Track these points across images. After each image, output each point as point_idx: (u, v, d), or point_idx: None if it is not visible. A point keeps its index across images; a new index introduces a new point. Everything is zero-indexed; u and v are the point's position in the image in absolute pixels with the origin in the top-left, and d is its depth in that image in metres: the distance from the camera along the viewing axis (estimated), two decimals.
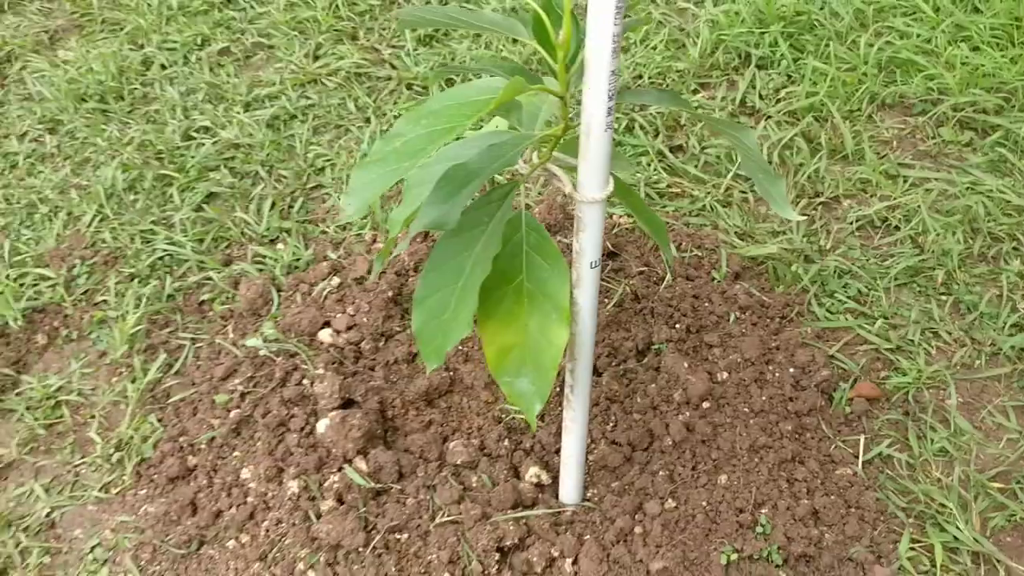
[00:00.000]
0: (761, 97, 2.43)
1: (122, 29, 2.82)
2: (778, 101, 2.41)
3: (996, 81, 2.38)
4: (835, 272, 2.01)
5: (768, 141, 2.30)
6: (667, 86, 2.48)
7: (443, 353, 1.21)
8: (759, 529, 1.55)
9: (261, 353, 1.83)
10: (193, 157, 2.35)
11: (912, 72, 2.44)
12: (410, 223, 1.25)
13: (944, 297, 1.97)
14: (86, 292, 2.08)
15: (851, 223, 2.13)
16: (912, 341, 1.88)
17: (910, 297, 1.97)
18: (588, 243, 1.25)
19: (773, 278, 2.00)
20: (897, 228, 2.11)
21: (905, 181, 2.21)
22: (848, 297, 1.97)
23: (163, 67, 2.67)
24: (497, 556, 1.50)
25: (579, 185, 1.20)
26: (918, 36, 2.53)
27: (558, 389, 1.73)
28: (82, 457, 1.80)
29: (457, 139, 1.20)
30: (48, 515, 1.71)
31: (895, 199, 2.15)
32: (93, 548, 1.66)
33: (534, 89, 1.16)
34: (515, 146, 1.21)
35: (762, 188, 1.28)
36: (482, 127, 1.51)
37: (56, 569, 1.64)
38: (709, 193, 2.19)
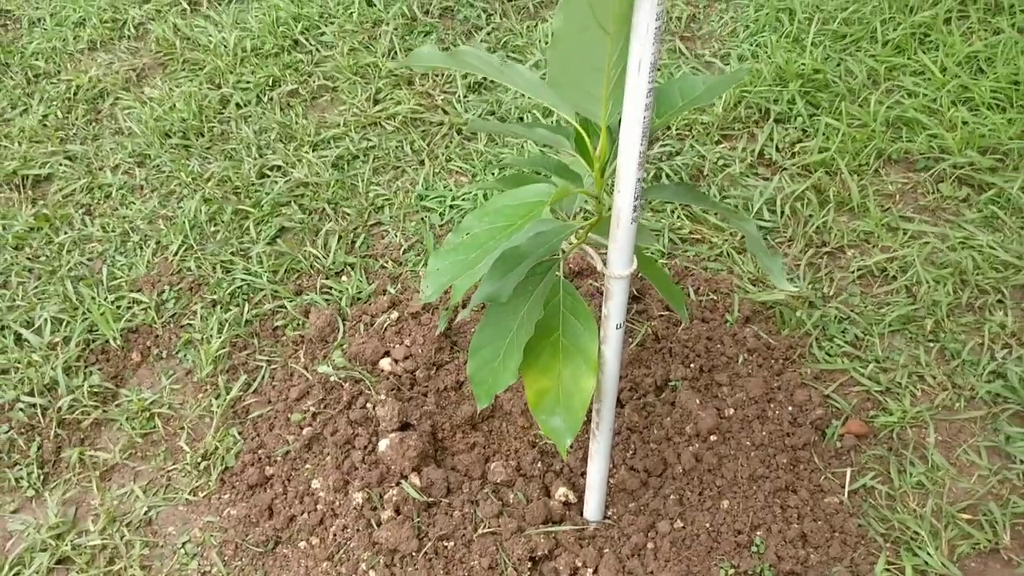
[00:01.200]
0: (778, 150, 2.68)
1: (201, 69, 3.12)
2: (793, 155, 2.66)
3: (993, 141, 2.62)
4: (835, 318, 2.27)
5: (782, 193, 2.55)
6: (693, 137, 2.73)
7: (492, 395, 1.49)
8: (754, 549, 1.82)
9: (331, 379, 2.12)
10: (267, 194, 2.64)
11: (917, 130, 2.68)
12: (469, 296, 1.53)
13: (932, 344, 2.21)
14: (174, 315, 2.37)
15: (853, 272, 2.37)
16: (900, 384, 2.13)
17: (901, 343, 2.22)
18: (615, 310, 1.52)
19: (780, 322, 2.26)
20: (894, 278, 2.35)
21: (904, 234, 2.45)
22: (845, 341, 2.22)
23: (238, 106, 2.97)
24: (529, 564, 1.78)
25: (608, 263, 1.47)
26: (924, 96, 2.77)
27: (585, 419, 2.00)
28: (173, 463, 2.09)
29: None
30: (146, 513, 2.01)
31: (894, 251, 2.39)
32: (184, 544, 1.96)
33: (577, 192, 1.44)
34: (558, 234, 1.49)
35: (762, 264, 1.55)
36: None
37: (154, 560, 1.93)
38: (726, 240, 2.45)
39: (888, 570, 1.83)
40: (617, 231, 1.42)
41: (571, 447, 1.96)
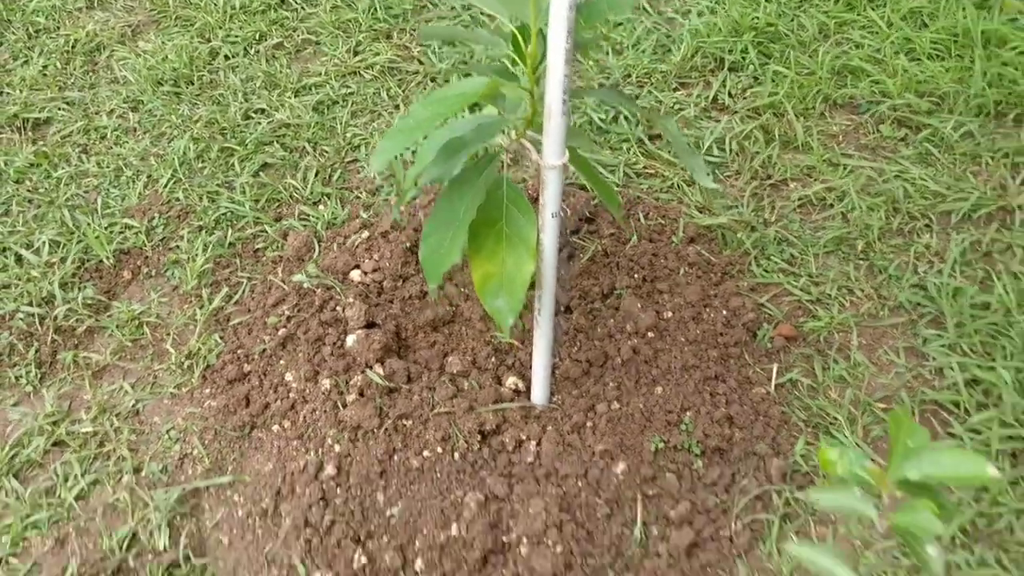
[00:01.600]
0: (730, 96, 2.87)
1: (192, 25, 3.31)
2: (744, 100, 2.85)
3: (931, 87, 2.80)
4: (774, 240, 2.45)
5: (731, 132, 2.73)
6: (652, 84, 2.92)
7: (440, 274, 1.68)
8: (683, 427, 2.00)
9: (304, 286, 2.30)
10: (251, 134, 2.83)
11: (862, 77, 2.87)
12: (418, 178, 1.73)
13: (861, 262, 2.40)
14: (163, 239, 2.56)
15: (793, 201, 2.56)
16: (829, 295, 2.32)
17: (834, 262, 2.40)
18: (550, 199, 1.71)
19: (722, 243, 2.44)
20: (831, 206, 2.54)
21: (844, 168, 2.64)
22: (782, 260, 2.40)
23: (226, 57, 3.16)
24: (479, 437, 1.96)
25: (543, 155, 1.66)
26: (870, 47, 2.96)
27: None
28: (160, 364, 2.28)
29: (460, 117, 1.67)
30: (134, 406, 2.20)
31: (833, 183, 2.58)
32: (168, 431, 2.14)
33: (508, 86, 1.63)
34: (497, 126, 1.68)
35: (686, 163, 1.74)
36: (480, 111, 1.97)
37: (140, 444, 2.12)
38: (677, 174, 2.64)
39: (806, 449, 2.01)
40: (549, 124, 1.60)
41: (521, 342, 2.14)
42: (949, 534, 1.87)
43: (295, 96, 2.97)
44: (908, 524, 0.98)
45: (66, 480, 2.06)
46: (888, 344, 2.22)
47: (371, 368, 2.07)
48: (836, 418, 2.06)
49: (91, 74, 3.16)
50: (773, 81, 2.86)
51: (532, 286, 1.74)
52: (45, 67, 3.18)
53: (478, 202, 1.69)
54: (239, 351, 2.24)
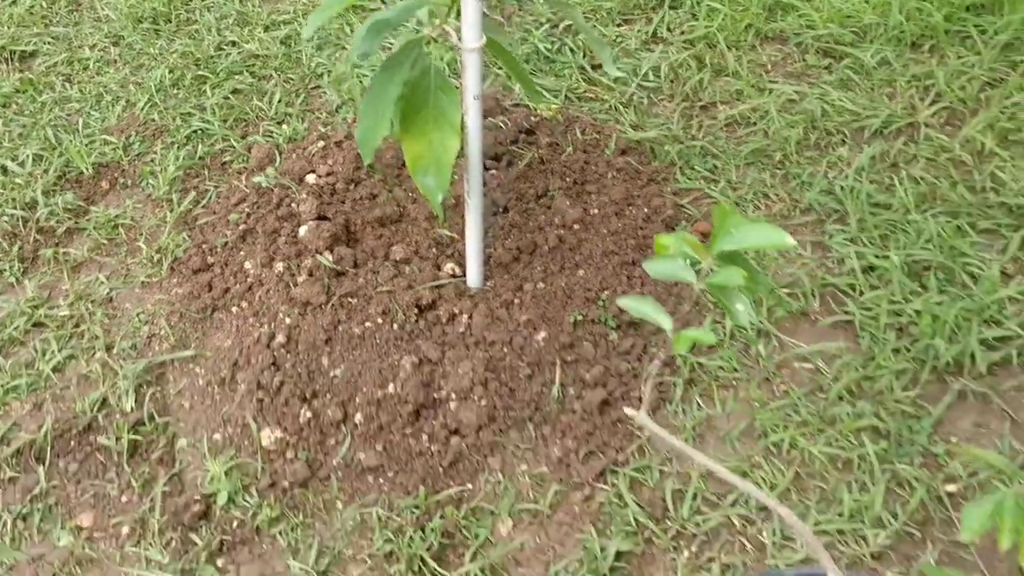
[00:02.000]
0: (668, 30, 3.09)
1: None
2: (681, 33, 3.06)
3: (855, 20, 3.02)
4: (699, 152, 2.67)
5: (667, 61, 2.95)
6: (597, 20, 3.13)
7: (372, 149, 1.89)
8: (600, 304, 2.22)
9: (263, 186, 2.52)
10: (223, 63, 3.04)
11: (791, 12, 3.08)
12: (352, 57, 1.94)
13: (778, 171, 2.61)
14: (139, 154, 2.78)
15: (720, 120, 2.77)
16: (746, 198, 2.53)
17: (753, 171, 2.62)
18: (471, 82, 1.92)
19: (650, 155, 2.66)
20: (754, 124, 2.75)
21: (770, 92, 2.85)
22: (705, 169, 2.62)
23: None
24: (416, 311, 2.18)
25: (462, 39, 1.87)
26: None
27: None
28: (132, 259, 2.49)
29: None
30: (107, 294, 2.41)
31: (758, 104, 2.79)
32: (138, 314, 2.36)
33: None
34: (418, 7, 1.90)
35: (596, 51, 1.96)
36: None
37: (112, 326, 2.34)
38: (616, 98, 2.85)
39: (715, 324, 2.23)
40: (467, 9, 1.81)
41: (460, 235, 2.35)
42: (836, 394, 2.08)
43: (265, 31, 3.19)
44: (720, 282, 1.20)
45: (44, 354, 2.27)
46: (797, 240, 2.43)
47: (320, 254, 2.29)
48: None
49: (75, 12, 3.37)
50: (708, 16, 3.08)
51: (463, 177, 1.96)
52: (32, 6, 3.39)
53: (403, 78, 1.90)
54: (204, 245, 2.45)
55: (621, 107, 2.82)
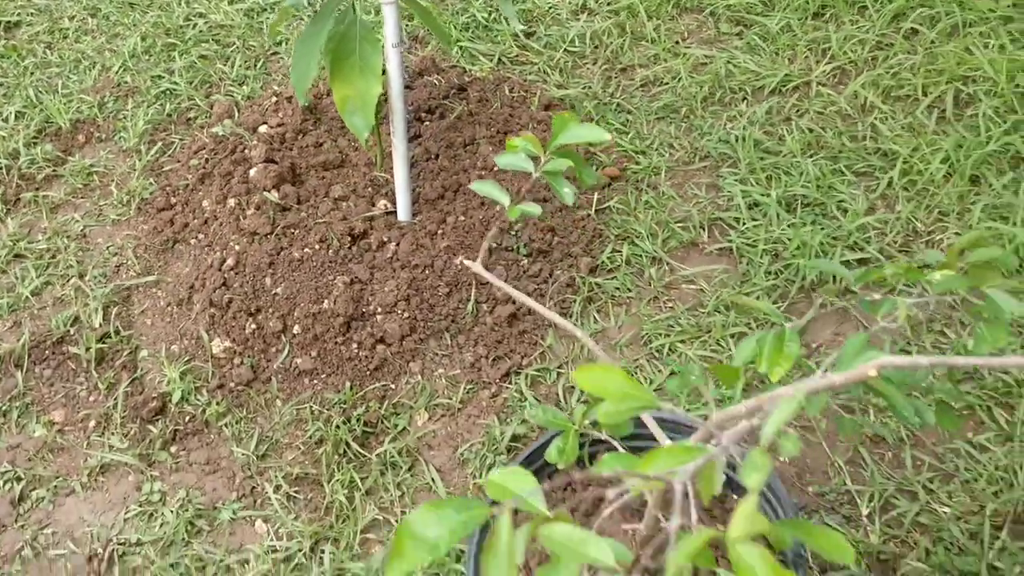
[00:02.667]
0: (596, 2, 3.39)
1: None
2: (608, 4, 3.37)
3: None
4: (614, 108, 2.97)
5: (591, 28, 3.25)
6: None
7: (305, 89, 2.21)
8: (513, 233, 2.52)
9: (220, 135, 2.83)
10: (191, 32, 3.35)
11: None
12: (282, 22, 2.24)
13: (683, 124, 2.92)
14: (113, 112, 3.09)
15: (636, 81, 3.08)
16: (651, 147, 2.84)
17: (661, 125, 2.93)
18: (389, 32, 2.23)
19: (571, 108, 2.96)
20: (666, 83, 3.06)
21: (685, 57, 3.16)
22: (619, 123, 2.93)
23: None
24: (349, 239, 2.49)
25: None
26: None
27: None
28: (105, 201, 2.80)
29: None
30: (82, 231, 2.72)
31: (671, 66, 3.10)
32: (108, 247, 2.67)
33: None
34: None
35: (502, 9, 2.26)
36: None
37: (85, 257, 2.64)
38: (544, 61, 3.16)
39: (614, 253, 2.53)
40: None
41: (391, 176, 2.66)
42: (712, 307, 2.39)
43: (230, 4, 3.49)
44: (551, 168, 1.51)
45: (23, 280, 2.58)
46: (693, 182, 2.74)
47: (268, 191, 2.59)
48: (640, 232, 2.59)
49: None
50: None
51: (386, 120, 2.26)
52: None
53: (328, 28, 2.21)
54: (167, 188, 2.76)
55: (548, 69, 3.12)
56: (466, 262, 1.45)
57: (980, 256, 1.41)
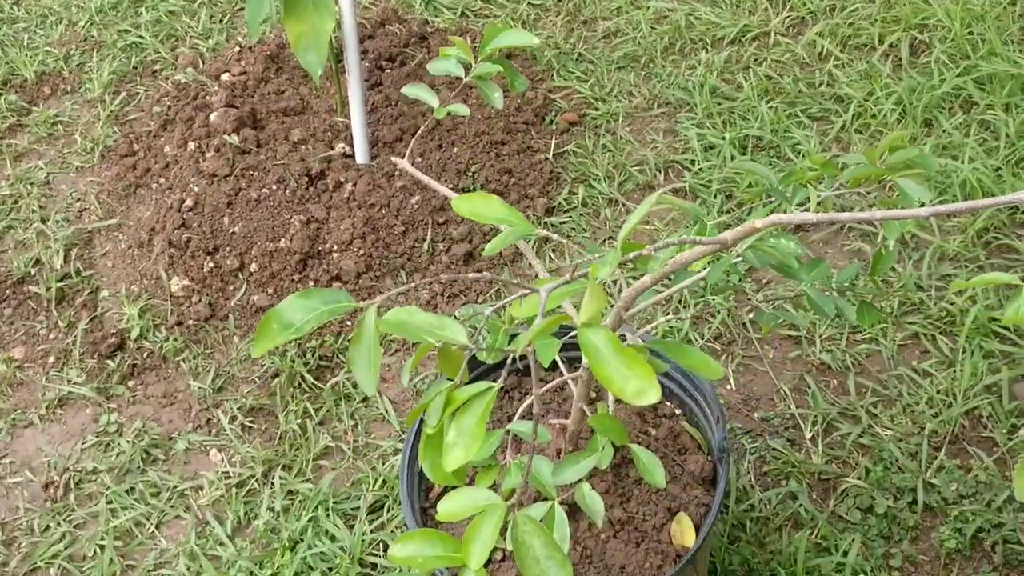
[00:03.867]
0: None
1: None
2: None
3: None
4: (576, 58, 3.00)
5: None
6: None
7: (258, 25, 2.23)
8: (470, 175, 2.55)
9: (183, 82, 2.85)
10: None
11: None
12: None
13: (643, 72, 2.95)
14: (79, 65, 3.11)
15: (599, 33, 3.11)
16: (611, 94, 2.87)
17: (622, 74, 2.96)
18: None
19: (532, 59, 2.99)
20: (627, 34, 3.09)
21: (647, 8, 3.19)
22: (580, 72, 2.95)
23: None
24: (307, 179, 2.52)
25: None
26: None
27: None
28: (69, 149, 2.83)
29: None
30: (45, 177, 2.75)
31: (633, 18, 3.13)
32: (71, 193, 2.69)
33: None
34: None
35: None
36: None
37: (47, 202, 2.67)
38: (507, 13, 3.18)
39: (571, 195, 2.57)
40: None
41: (324, 81, 2.68)
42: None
43: None
44: (480, 72, 1.54)
45: None
46: (651, 127, 2.77)
47: (228, 135, 2.62)
48: (597, 175, 2.62)
49: None
50: None
51: (341, 65, 2.28)
52: None
53: None
54: (131, 135, 2.79)
55: (511, 20, 3.15)
56: (393, 159, 1.49)
57: (899, 157, 1.44)
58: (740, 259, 1.29)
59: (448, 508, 0.83)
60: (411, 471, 1.50)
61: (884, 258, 1.50)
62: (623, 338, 1.43)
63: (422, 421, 0.97)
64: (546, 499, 1.18)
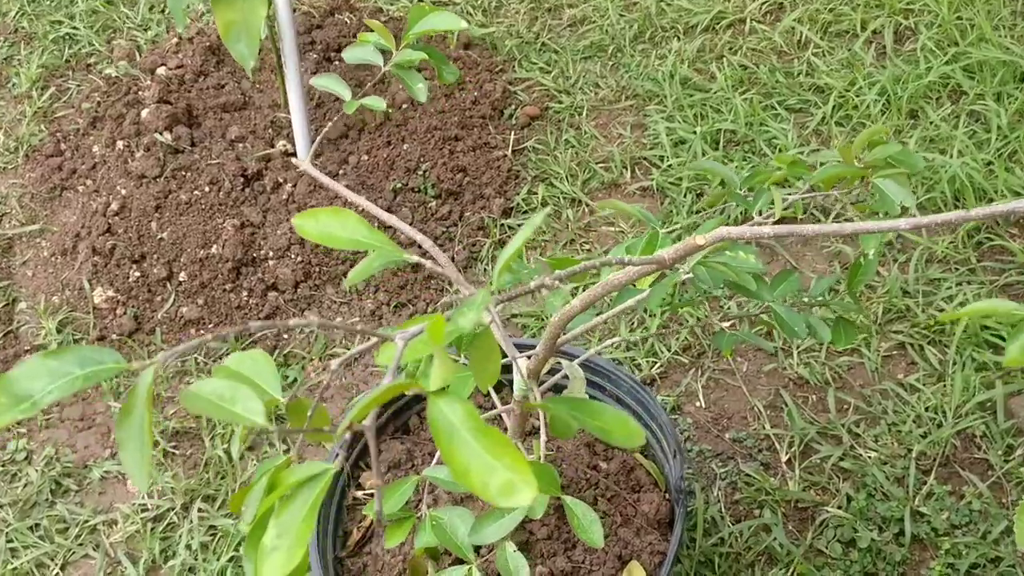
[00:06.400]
0: None
1: None
2: None
3: None
4: (539, 47, 2.81)
5: None
6: None
7: (182, 15, 2.03)
8: (420, 173, 2.36)
9: (114, 76, 2.65)
10: None
11: None
12: None
13: (611, 62, 2.75)
14: (6, 58, 2.90)
15: (564, 21, 2.91)
16: (575, 85, 2.67)
17: (587, 64, 2.76)
18: None
19: (492, 49, 2.79)
20: (595, 22, 2.89)
21: None
22: (543, 62, 2.76)
23: None
24: (242, 180, 2.31)
25: None
26: None
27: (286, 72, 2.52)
28: None
29: None
30: None
31: (599, 4, 2.93)
32: None
33: None
34: None
35: None
36: None
37: None
38: (468, 1, 2.98)
39: (530, 195, 2.37)
40: None
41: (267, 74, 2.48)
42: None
43: None
44: (401, 60, 1.34)
45: None
46: (618, 121, 2.58)
47: (160, 133, 2.41)
48: (559, 172, 2.42)
49: None
50: None
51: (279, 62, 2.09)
52: None
53: None
54: (58, 134, 2.58)
55: (471, 9, 2.95)
56: (293, 160, 1.29)
57: (879, 154, 1.26)
58: (689, 276, 1.10)
59: None
60: (324, 518, 1.30)
61: (863, 268, 1.32)
62: (553, 371, 1.24)
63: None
64: (462, 562, 0.99)
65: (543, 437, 1.17)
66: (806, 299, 1.31)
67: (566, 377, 1.25)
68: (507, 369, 1.31)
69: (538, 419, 1.43)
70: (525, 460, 0.59)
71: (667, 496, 1.38)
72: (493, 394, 1.32)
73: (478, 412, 0.62)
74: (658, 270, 1.01)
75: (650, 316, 2.08)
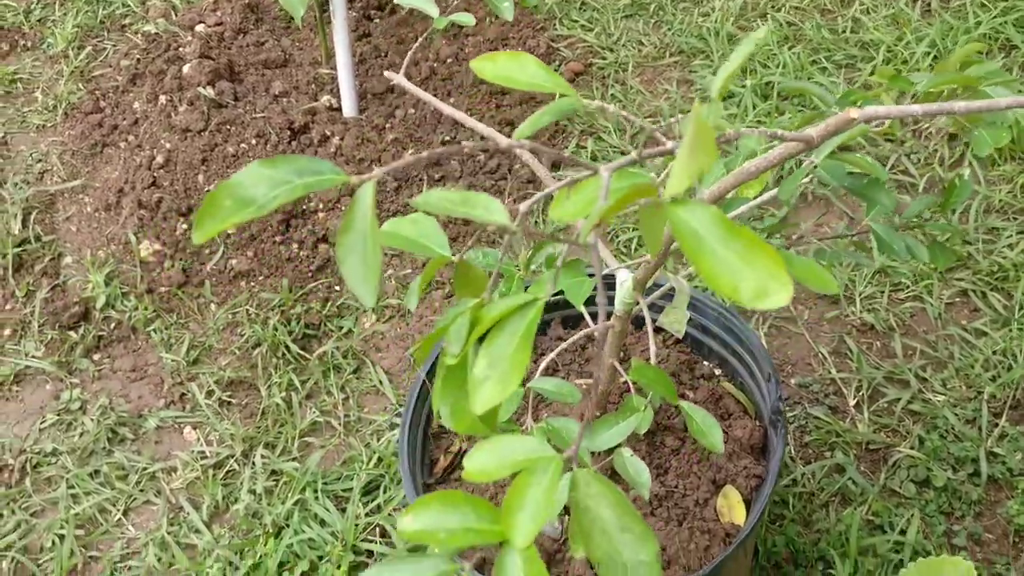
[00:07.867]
0: None
1: None
2: None
3: None
4: (579, 5, 2.78)
5: None
6: None
7: None
8: (467, 126, 2.32)
9: (153, 33, 2.62)
10: None
11: None
12: None
13: (652, 20, 2.73)
14: (40, 19, 2.87)
15: None
16: (618, 42, 2.65)
17: (630, 22, 2.73)
18: None
19: (533, 9, 2.76)
20: None
21: None
22: (584, 20, 2.73)
23: None
24: (289, 133, 2.29)
25: None
26: None
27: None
28: (29, 107, 2.59)
29: None
30: (2, 137, 2.51)
31: None
32: (32, 154, 2.46)
33: None
34: None
35: None
36: None
37: (6, 165, 2.43)
38: None
39: (577, 149, 2.35)
40: None
41: (308, 32, 2.46)
42: None
43: None
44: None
45: None
46: (663, 77, 2.55)
47: (203, 87, 2.38)
48: (607, 127, 2.40)
49: None
50: None
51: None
52: None
53: None
54: (96, 92, 2.55)
55: None
56: (387, 74, 1.26)
57: (974, 72, 1.23)
58: (812, 174, 1.07)
59: (479, 463, 0.61)
60: (412, 442, 1.28)
61: (959, 189, 1.30)
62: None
63: (435, 362, 0.75)
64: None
65: (652, 347, 1.14)
66: (899, 221, 1.29)
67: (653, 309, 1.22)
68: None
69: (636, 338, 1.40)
70: (781, 261, 0.56)
71: (759, 423, 1.35)
72: (585, 313, 1.29)
73: (722, 214, 0.59)
74: (794, 154, 0.98)
75: None
